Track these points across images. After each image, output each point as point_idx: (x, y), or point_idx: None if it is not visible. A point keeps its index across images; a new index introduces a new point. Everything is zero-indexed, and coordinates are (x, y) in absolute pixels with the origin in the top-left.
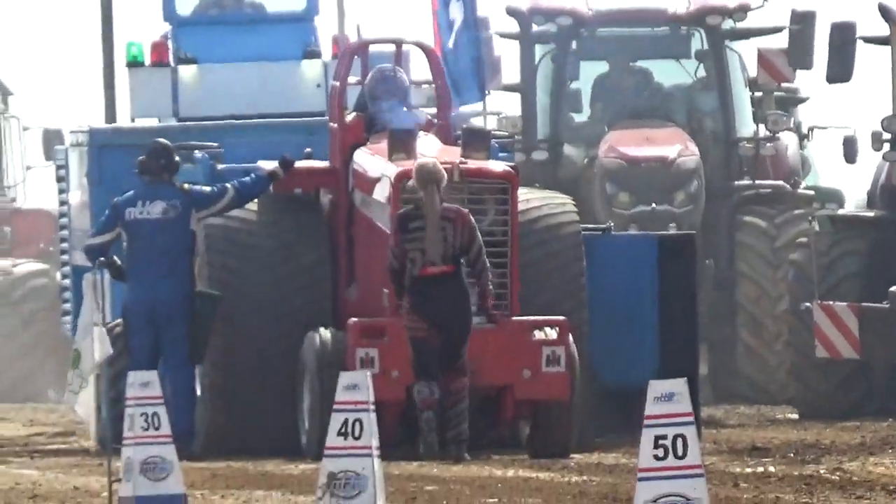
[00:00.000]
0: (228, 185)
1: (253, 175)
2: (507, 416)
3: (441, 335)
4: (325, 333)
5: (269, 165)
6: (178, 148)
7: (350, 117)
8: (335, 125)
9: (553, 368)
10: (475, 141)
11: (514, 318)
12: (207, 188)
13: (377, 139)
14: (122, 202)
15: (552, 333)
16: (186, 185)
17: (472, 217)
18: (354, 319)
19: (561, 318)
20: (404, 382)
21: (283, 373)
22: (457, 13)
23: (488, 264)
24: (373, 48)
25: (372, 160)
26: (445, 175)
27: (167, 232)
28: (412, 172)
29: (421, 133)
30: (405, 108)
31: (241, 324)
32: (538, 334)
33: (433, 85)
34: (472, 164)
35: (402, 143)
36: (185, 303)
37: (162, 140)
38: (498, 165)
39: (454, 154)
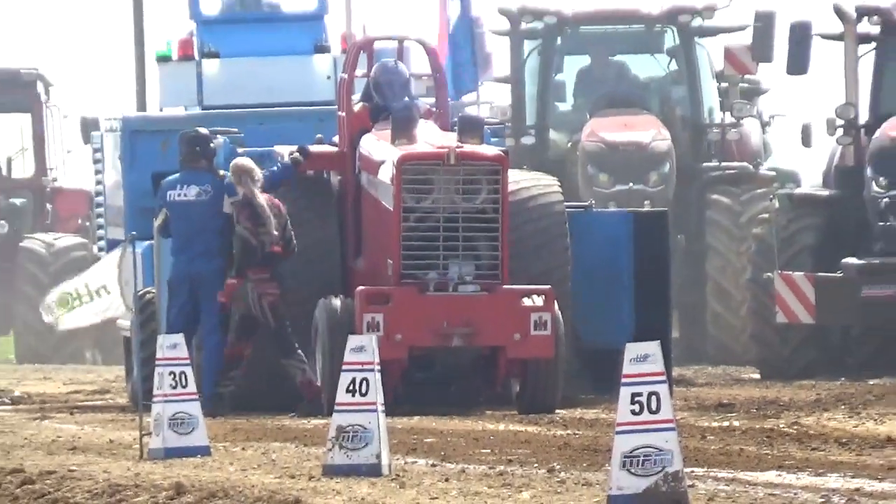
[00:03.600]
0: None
1: (279, 165)
2: (499, 375)
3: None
4: (336, 300)
5: (287, 151)
6: None
7: (357, 107)
8: (343, 114)
9: (540, 332)
10: (470, 127)
11: (505, 286)
12: None
13: (382, 126)
14: (166, 184)
15: (539, 300)
16: (222, 172)
17: None
18: (361, 287)
19: (547, 286)
20: (406, 344)
21: (298, 337)
22: (453, 12)
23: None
24: (377, 44)
25: (377, 145)
26: (256, 169)
27: (200, 213)
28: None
29: (421, 120)
30: (406, 98)
31: None
32: (527, 301)
33: (432, 77)
34: (467, 148)
35: (403, 130)
36: (218, 277)
37: (200, 129)
38: (490, 149)
39: (451, 139)
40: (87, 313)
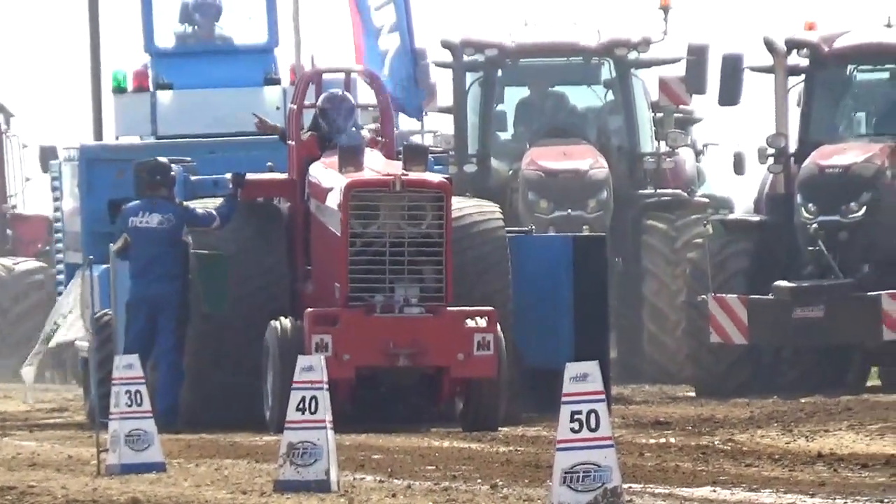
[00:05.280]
0: (215, 213)
1: (225, 201)
2: (444, 394)
3: None
4: (285, 322)
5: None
6: None
7: (306, 136)
8: (293, 143)
9: (483, 352)
10: (414, 156)
11: (449, 308)
12: (200, 211)
13: (329, 154)
14: (128, 211)
15: (482, 322)
16: (184, 203)
17: None
18: (310, 310)
19: (490, 308)
20: (354, 364)
21: (249, 358)
22: (389, 44)
23: None
24: (325, 76)
25: (325, 173)
26: None
27: (162, 240)
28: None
29: (367, 149)
30: (353, 128)
31: (211, 316)
32: (470, 323)
33: (378, 107)
34: (412, 175)
35: (351, 158)
36: (176, 300)
37: (160, 158)
38: (434, 177)
39: (396, 167)
40: (65, 332)
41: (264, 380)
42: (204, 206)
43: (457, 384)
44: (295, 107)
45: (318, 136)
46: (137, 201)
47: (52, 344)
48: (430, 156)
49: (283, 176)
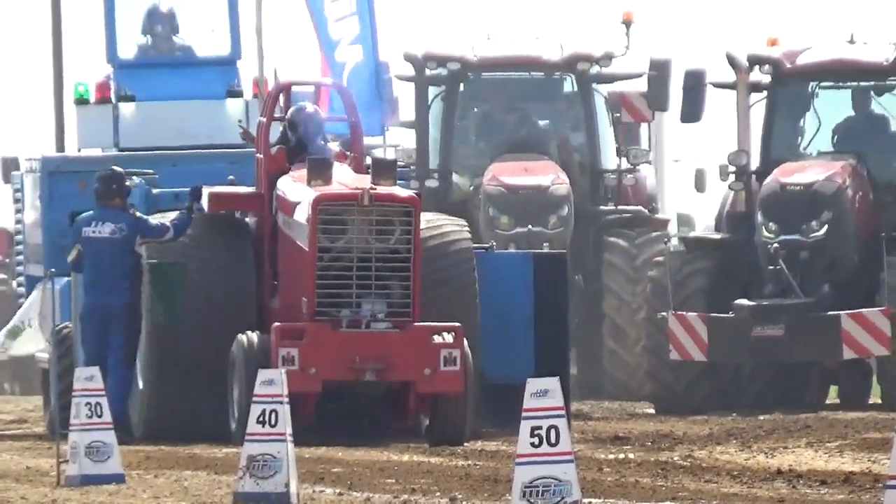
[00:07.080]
0: (169, 225)
1: (181, 213)
2: (410, 410)
3: None
4: (252, 336)
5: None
6: None
7: (274, 149)
8: (261, 156)
9: (449, 368)
10: (383, 170)
11: (416, 324)
12: (154, 222)
13: (298, 168)
14: (82, 220)
15: (449, 337)
16: (138, 214)
17: None
18: (277, 324)
19: (456, 324)
20: (320, 377)
21: (216, 371)
22: (348, 56)
23: None
24: (294, 88)
25: (293, 186)
26: None
27: (114, 250)
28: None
29: (336, 163)
30: (322, 141)
31: (171, 328)
32: (437, 338)
33: (347, 121)
34: (381, 189)
35: (319, 172)
36: (127, 312)
37: (116, 167)
38: (403, 191)
39: (365, 181)
40: (27, 342)
41: (230, 393)
42: (160, 218)
43: (423, 399)
44: (264, 119)
45: (287, 149)
46: (91, 211)
47: (12, 351)
48: None
49: (252, 189)
